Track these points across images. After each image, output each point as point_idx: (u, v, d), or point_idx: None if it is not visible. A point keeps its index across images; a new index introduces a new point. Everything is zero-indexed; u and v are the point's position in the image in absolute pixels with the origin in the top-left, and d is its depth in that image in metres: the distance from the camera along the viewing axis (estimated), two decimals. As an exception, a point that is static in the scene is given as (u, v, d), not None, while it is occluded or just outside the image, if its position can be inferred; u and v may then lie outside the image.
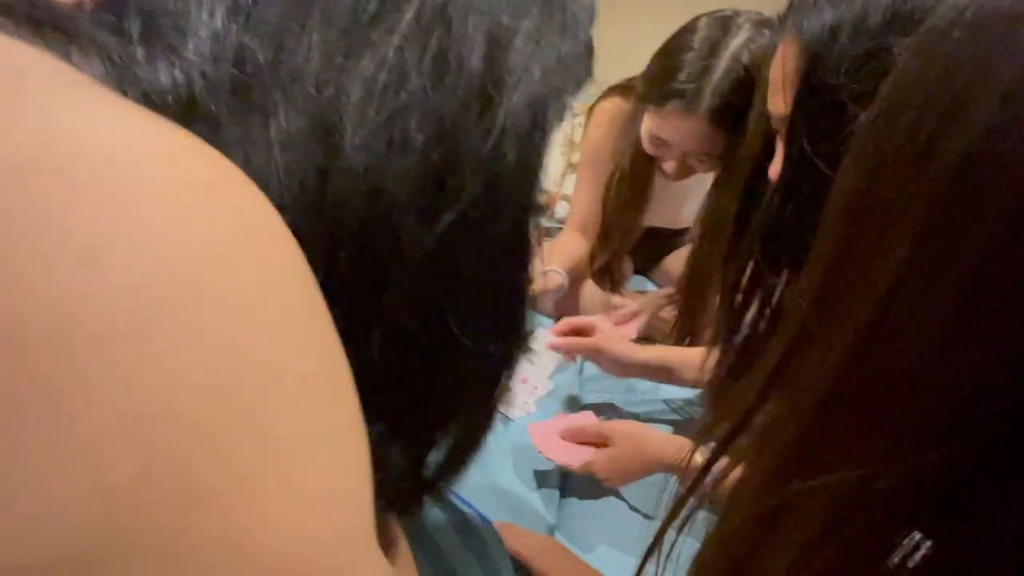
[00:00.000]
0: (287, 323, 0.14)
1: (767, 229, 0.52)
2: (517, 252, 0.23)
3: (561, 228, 1.17)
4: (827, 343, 0.22)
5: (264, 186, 0.18)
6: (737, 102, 0.74)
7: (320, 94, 0.19)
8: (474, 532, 0.51)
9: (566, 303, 1.10)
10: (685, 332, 0.95)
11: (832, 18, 0.41)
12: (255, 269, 0.14)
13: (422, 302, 0.21)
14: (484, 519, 0.53)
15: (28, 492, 0.10)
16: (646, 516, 0.68)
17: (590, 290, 1.12)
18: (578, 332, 0.83)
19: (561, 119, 0.23)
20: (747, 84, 0.74)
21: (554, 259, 1.01)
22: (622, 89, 1.00)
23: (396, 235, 0.20)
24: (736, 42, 0.76)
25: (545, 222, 1.54)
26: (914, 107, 0.20)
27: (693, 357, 0.77)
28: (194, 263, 0.12)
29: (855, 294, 0.21)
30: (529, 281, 0.25)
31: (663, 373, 0.82)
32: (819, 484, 0.20)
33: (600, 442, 0.67)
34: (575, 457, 0.66)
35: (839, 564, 0.21)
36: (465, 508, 0.52)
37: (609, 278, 1.14)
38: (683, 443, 0.63)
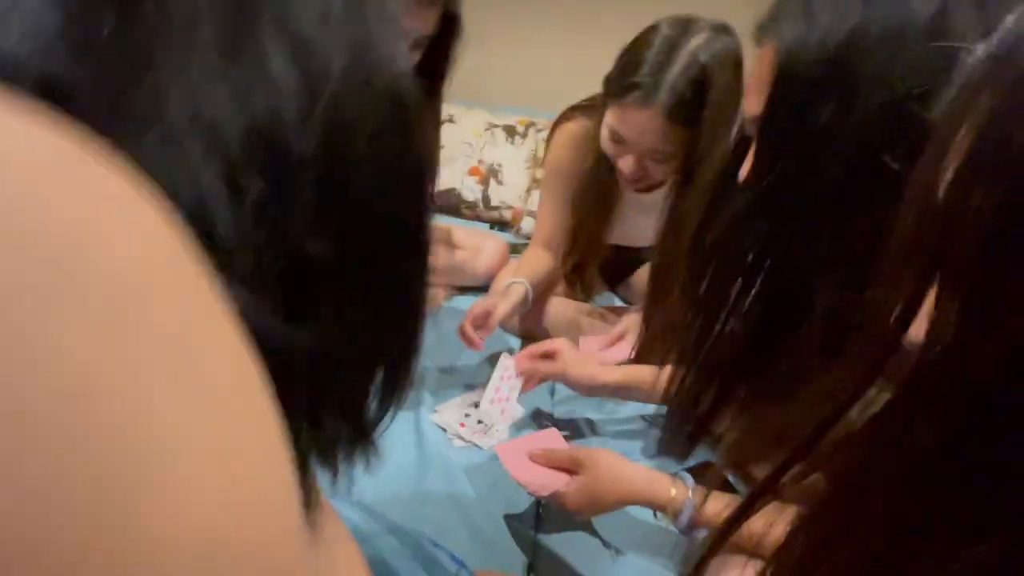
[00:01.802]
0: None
1: (736, 230, 0.53)
2: (399, 117, 0.25)
3: (527, 244, 1.17)
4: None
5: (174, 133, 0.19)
6: (692, 98, 0.78)
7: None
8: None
9: (532, 319, 1.10)
10: (649, 347, 0.95)
11: (803, 29, 0.43)
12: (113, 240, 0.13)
13: (326, 189, 0.22)
14: (458, 563, 0.51)
15: None
16: (617, 551, 0.67)
17: (556, 306, 1.12)
18: (543, 356, 0.83)
19: None
20: (702, 82, 0.77)
21: (519, 272, 1.01)
22: (584, 108, 1.01)
23: (285, 136, 0.21)
24: (695, 42, 0.79)
25: (512, 238, 1.54)
26: None
27: (654, 375, 0.78)
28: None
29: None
30: (421, 149, 0.26)
31: (627, 393, 0.83)
32: None
33: (572, 468, 0.64)
34: (545, 481, 0.64)
35: None
36: (436, 552, 0.50)
37: (580, 283, 1.14)
38: (662, 478, 0.62)
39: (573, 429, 0.88)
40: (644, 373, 0.81)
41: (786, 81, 0.44)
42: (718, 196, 0.60)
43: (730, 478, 0.69)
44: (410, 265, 0.27)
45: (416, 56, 0.84)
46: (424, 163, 0.27)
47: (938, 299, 0.24)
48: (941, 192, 0.24)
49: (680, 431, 0.62)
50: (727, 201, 0.55)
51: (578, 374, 0.79)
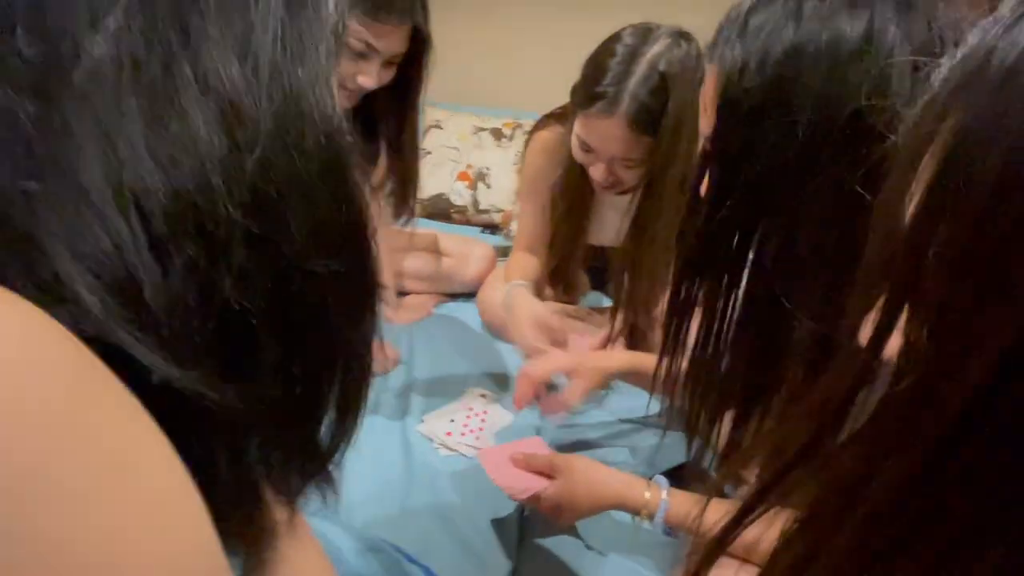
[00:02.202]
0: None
1: (700, 242, 0.54)
2: (333, 170, 0.25)
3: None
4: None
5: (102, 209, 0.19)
6: (653, 106, 0.79)
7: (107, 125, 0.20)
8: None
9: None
10: (631, 343, 0.97)
11: (741, 51, 0.44)
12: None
13: (259, 246, 0.22)
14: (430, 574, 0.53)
15: None
16: (600, 552, 0.69)
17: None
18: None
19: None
20: (662, 90, 0.79)
21: (513, 276, 1.02)
22: (558, 116, 1.02)
23: (213, 201, 0.21)
24: (654, 50, 0.80)
25: (503, 240, 1.56)
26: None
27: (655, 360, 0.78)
28: None
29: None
30: (358, 194, 0.26)
31: (632, 378, 0.83)
32: None
33: (551, 473, 0.66)
34: (524, 484, 0.66)
35: None
36: (412, 568, 0.52)
37: (563, 285, 1.16)
38: (637, 482, 0.63)
39: (555, 435, 0.90)
40: (648, 358, 0.82)
41: (729, 105, 0.46)
42: (690, 209, 0.60)
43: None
44: (352, 313, 0.27)
45: (390, 73, 0.86)
46: (361, 216, 0.26)
47: (907, 324, 0.25)
48: (906, 221, 0.24)
49: (701, 456, 0.62)
50: (696, 214, 0.57)
51: (590, 375, 0.79)
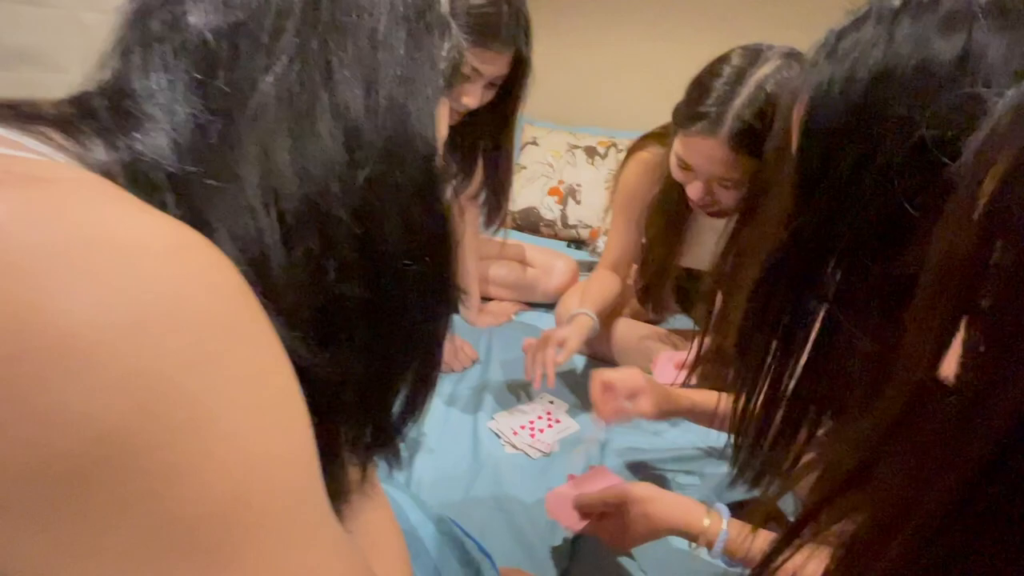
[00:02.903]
0: (223, 329, 0.20)
1: (778, 266, 0.53)
2: (428, 189, 0.29)
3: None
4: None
5: (245, 207, 0.25)
6: (757, 128, 0.77)
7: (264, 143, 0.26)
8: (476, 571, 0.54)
9: (599, 341, 1.12)
10: (720, 371, 0.94)
11: (827, 74, 0.43)
12: (197, 287, 0.20)
13: (361, 245, 0.28)
14: (484, 553, 0.56)
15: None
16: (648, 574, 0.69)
17: (623, 328, 1.14)
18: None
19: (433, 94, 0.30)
20: (769, 111, 0.76)
21: (585, 301, 1.04)
22: (656, 136, 1.03)
23: (330, 203, 0.26)
24: (762, 71, 0.78)
25: (588, 256, 1.58)
26: None
27: (721, 401, 0.77)
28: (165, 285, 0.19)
29: None
30: (446, 210, 0.30)
31: (696, 416, 0.82)
32: None
33: (606, 512, 0.66)
34: (579, 519, 0.66)
35: None
36: (466, 540, 0.55)
37: (652, 304, 1.15)
38: (696, 508, 0.63)
39: (626, 455, 0.89)
40: (713, 398, 0.81)
41: (811, 126, 0.45)
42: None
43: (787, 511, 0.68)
44: (430, 309, 0.32)
45: (491, 94, 0.92)
46: (446, 228, 0.31)
47: (965, 343, 0.25)
48: (964, 242, 0.25)
49: (749, 463, 0.62)
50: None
51: (656, 404, 0.79)
